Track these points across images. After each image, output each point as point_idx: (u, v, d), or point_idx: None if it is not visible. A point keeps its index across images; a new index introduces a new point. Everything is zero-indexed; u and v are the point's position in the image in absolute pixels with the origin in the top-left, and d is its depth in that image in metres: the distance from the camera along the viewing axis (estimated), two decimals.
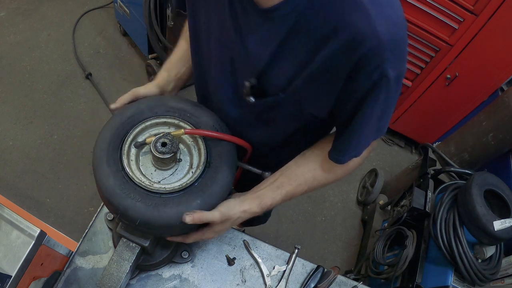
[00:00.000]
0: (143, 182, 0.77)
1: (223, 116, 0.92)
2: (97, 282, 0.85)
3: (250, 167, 0.96)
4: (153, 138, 0.79)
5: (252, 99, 0.79)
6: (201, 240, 0.90)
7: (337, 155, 0.82)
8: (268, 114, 0.85)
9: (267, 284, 1.05)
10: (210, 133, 0.84)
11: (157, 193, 0.76)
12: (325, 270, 1.09)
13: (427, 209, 1.70)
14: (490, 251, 1.45)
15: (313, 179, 0.88)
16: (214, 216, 0.78)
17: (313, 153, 0.90)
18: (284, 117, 0.85)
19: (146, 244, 0.85)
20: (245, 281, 1.05)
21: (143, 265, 0.97)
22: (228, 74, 0.84)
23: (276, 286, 1.05)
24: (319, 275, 1.07)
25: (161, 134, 0.80)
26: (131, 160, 0.81)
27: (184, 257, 1.03)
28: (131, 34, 2.77)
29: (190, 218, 0.74)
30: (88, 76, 2.66)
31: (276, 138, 0.94)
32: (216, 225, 0.82)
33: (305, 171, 0.88)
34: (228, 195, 0.85)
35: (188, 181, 0.79)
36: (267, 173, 0.99)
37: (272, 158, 1.00)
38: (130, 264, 0.85)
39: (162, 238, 0.98)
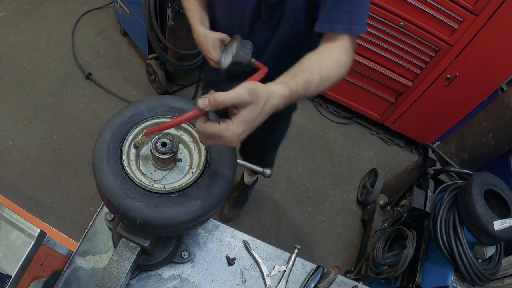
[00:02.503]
0: (143, 182, 0.77)
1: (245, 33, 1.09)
2: (97, 282, 0.85)
3: (250, 165, 0.96)
4: (145, 138, 0.79)
5: None
6: (221, 139, 0.65)
7: (330, 23, 0.92)
8: (277, 12, 1.01)
9: (267, 284, 1.05)
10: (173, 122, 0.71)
11: (157, 193, 0.76)
12: (325, 270, 1.09)
13: (427, 209, 1.69)
14: (490, 251, 1.45)
15: (324, 64, 0.89)
16: (239, 93, 0.61)
17: (313, 52, 0.94)
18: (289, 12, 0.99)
19: (146, 244, 0.85)
20: (245, 281, 1.05)
21: (143, 265, 0.97)
22: None
23: (276, 286, 1.05)
24: (319, 275, 1.07)
25: (161, 134, 0.80)
26: (131, 160, 0.81)
27: (184, 257, 1.03)
28: (131, 34, 2.77)
29: (203, 102, 0.59)
30: (88, 76, 2.66)
31: (282, 43, 1.08)
32: (242, 111, 0.63)
33: (312, 61, 0.88)
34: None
35: (188, 181, 0.79)
36: (267, 171, 0.99)
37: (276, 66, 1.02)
38: (130, 264, 0.85)
39: (162, 238, 0.99)
